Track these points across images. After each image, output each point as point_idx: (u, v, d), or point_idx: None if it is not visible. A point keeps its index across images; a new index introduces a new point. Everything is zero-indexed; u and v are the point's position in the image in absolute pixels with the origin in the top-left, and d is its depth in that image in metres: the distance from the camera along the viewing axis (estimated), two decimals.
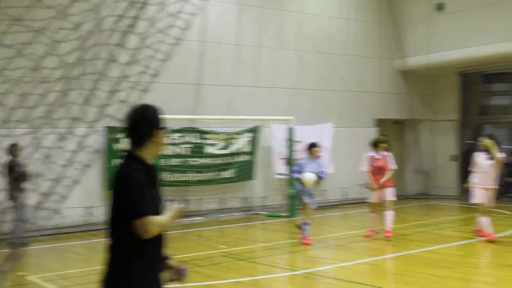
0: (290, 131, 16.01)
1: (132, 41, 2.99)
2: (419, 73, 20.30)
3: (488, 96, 21.08)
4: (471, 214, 14.32)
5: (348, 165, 18.02)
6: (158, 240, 3.58)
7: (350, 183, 18.35)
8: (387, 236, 11.60)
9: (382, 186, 11.77)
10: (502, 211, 15.79)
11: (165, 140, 3.69)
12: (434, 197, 19.93)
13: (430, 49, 19.00)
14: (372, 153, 11.95)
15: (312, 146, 11.34)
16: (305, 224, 11.39)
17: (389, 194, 11.86)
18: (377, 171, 11.84)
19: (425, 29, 19.24)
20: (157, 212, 3.51)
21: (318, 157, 11.44)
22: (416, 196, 20.18)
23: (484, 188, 11.23)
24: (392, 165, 12.00)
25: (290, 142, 16.02)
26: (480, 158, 11.32)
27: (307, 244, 11.22)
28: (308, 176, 10.85)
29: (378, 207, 12.07)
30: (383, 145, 12.01)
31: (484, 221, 11.25)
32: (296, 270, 9.51)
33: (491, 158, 11.17)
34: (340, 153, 17.80)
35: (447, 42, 18.81)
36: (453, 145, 20.71)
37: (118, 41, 2.85)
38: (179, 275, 3.79)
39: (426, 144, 21.09)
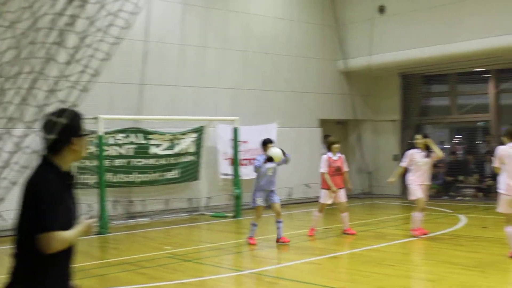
0: (235, 131, 16.02)
1: (71, 40, 2.93)
2: (361, 74, 20.60)
3: (428, 97, 21.57)
4: (412, 213, 14.64)
5: (293, 165, 18.13)
6: (66, 254, 3.40)
7: (294, 183, 18.51)
8: (353, 234, 11.93)
9: (338, 188, 12.03)
10: (442, 209, 16.19)
11: (86, 147, 3.53)
12: (377, 196, 20.26)
13: (371, 51, 19.31)
14: (330, 155, 12.10)
15: (267, 142, 11.36)
16: (253, 225, 11.37)
17: (344, 195, 12.13)
18: (335, 172, 12.05)
19: (367, 31, 19.53)
20: (69, 224, 3.34)
21: None
22: (360, 195, 20.47)
23: (421, 185, 11.56)
24: (346, 166, 12.33)
25: (235, 142, 16.03)
26: (416, 156, 11.63)
27: (252, 244, 11.23)
28: (275, 150, 10.91)
29: (326, 208, 12.30)
30: (336, 145, 12.22)
31: (418, 217, 11.59)
32: (242, 271, 9.51)
33: (427, 156, 11.54)
34: None
35: (388, 44, 19.16)
36: (395, 145, 21.11)
37: (56, 39, 2.79)
38: None
39: (369, 144, 21.43)
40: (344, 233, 12.13)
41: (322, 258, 10.09)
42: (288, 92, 18.99)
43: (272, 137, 17.23)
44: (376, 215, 15.76)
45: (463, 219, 14.27)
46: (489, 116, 20.12)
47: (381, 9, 19.54)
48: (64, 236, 3.27)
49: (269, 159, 10.90)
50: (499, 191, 9.37)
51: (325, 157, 12.12)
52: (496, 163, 9.42)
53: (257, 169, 11.12)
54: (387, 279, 8.37)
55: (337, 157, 12.16)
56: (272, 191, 11.29)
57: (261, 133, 17.36)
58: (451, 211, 15.89)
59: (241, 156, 16.48)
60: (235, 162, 16.01)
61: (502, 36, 16.59)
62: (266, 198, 11.27)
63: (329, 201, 12.09)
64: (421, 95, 21.29)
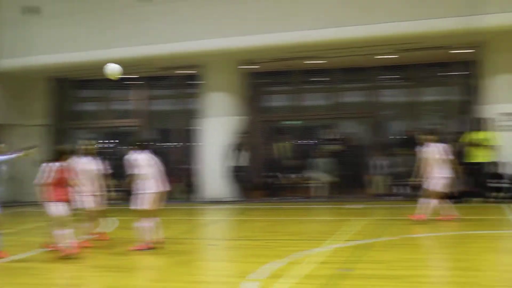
0: None
1: None
2: (13, 76, 19.75)
3: (80, 101, 21.69)
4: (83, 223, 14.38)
5: None
6: None
7: None
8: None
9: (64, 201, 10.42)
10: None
11: None
12: (23, 203, 19.20)
13: (25, 53, 18.68)
14: (57, 164, 10.24)
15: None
16: None
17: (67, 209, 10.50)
18: (61, 183, 10.30)
19: (21, 31, 18.81)
20: None
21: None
22: (6, 203, 19.35)
23: (93, 195, 11.42)
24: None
25: None
26: (85, 165, 11.37)
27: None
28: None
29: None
30: (68, 156, 10.49)
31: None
32: None
33: (98, 164, 11.60)
34: None
35: (42, 46, 18.78)
36: (45, 150, 20.58)
37: None
38: None
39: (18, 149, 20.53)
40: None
41: None
42: None
43: None
44: (23, 223, 15.10)
45: (113, 222, 14.52)
46: (139, 121, 21.01)
47: (33, 10, 18.99)
48: None
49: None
50: (147, 191, 10.22)
51: (47, 166, 10.26)
52: (135, 171, 10.25)
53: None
54: None
55: (64, 167, 10.29)
56: None
57: None
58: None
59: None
60: None
61: (151, 45, 17.51)
62: None
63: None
64: (73, 99, 21.31)
